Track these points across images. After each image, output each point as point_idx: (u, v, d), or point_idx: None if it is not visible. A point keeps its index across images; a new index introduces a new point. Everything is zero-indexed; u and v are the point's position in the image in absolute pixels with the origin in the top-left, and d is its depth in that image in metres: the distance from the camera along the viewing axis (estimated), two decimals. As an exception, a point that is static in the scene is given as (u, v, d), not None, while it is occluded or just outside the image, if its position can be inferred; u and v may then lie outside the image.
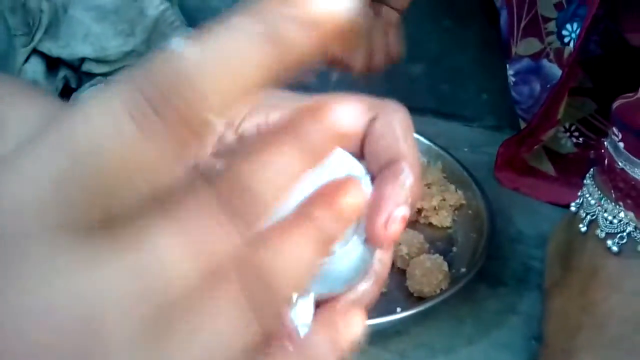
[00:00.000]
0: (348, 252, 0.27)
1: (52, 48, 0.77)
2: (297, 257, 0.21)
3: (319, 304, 0.26)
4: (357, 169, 0.28)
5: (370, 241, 0.27)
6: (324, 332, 0.24)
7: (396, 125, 0.31)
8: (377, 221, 0.28)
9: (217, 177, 0.21)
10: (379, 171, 0.30)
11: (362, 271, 0.28)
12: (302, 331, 0.24)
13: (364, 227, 0.27)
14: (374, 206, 0.28)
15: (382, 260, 0.30)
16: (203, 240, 0.20)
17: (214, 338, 0.19)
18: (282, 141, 0.21)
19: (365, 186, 0.28)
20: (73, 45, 0.78)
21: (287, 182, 0.21)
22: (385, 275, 0.30)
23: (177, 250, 0.19)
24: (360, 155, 0.31)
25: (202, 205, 0.20)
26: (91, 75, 0.78)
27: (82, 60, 0.78)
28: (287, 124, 0.22)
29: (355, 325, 0.25)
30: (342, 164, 0.28)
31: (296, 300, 0.21)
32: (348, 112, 0.22)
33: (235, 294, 0.20)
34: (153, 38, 0.79)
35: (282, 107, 0.32)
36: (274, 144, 0.21)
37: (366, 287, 0.29)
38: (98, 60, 0.77)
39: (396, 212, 0.28)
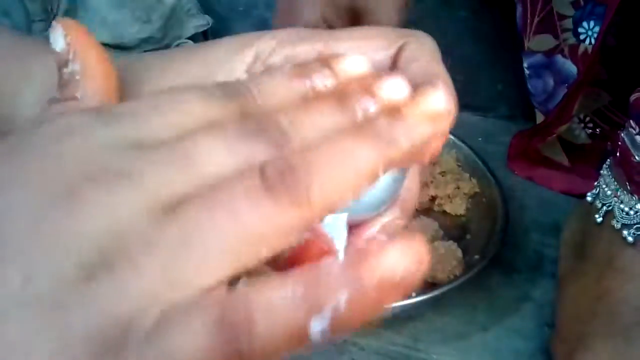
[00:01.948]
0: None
1: (70, 34, 0.77)
2: (348, 168, 0.21)
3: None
4: None
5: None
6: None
7: (427, 49, 0.31)
8: None
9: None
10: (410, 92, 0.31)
11: (391, 198, 0.28)
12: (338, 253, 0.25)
13: None
14: None
15: (410, 189, 0.30)
16: (244, 142, 0.21)
17: (236, 228, 0.20)
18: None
19: None
20: (90, 31, 0.78)
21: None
22: (413, 206, 0.31)
23: (218, 148, 0.21)
24: None
25: (229, 129, 0.22)
26: (108, 61, 0.79)
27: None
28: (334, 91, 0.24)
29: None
30: None
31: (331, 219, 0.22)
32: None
33: (264, 192, 0.20)
34: (169, 25, 0.80)
35: (309, 40, 0.33)
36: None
37: (394, 215, 0.29)
38: (115, 47, 0.78)
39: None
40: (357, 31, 0.33)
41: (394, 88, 0.24)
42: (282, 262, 0.23)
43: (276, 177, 0.20)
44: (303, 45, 0.33)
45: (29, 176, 0.20)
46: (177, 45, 0.79)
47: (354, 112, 0.23)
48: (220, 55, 0.34)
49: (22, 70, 0.35)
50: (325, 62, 0.25)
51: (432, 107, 0.23)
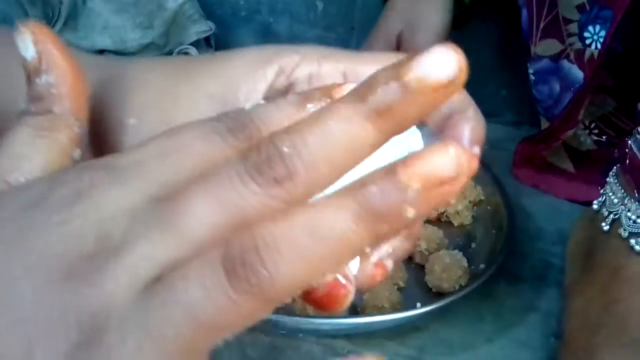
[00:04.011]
0: None
1: (71, 39, 0.77)
2: (328, 230, 0.20)
3: None
4: (414, 138, 0.28)
5: None
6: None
7: None
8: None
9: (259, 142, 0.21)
10: (442, 122, 0.31)
11: None
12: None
13: None
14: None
15: None
16: (227, 198, 0.21)
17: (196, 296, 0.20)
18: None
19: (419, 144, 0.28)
20: (92, 37, 0.78)
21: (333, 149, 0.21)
22: None
23: (203, 206, 0.21)
24: None
25: (229, 169, 0.21)
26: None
27: (101, 52, 0.78)
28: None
29: None
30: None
31: None
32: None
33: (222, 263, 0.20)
34: (172, 31, 0.79)
35: (333, 58, 0.33)
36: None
37: None
38: (117, 52, 0.78)
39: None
40: (383, 55, 0.33)
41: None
42: None
43: (238, 262, 0.20)
44: (327, 64, 0.33)
45: (33, 255, 0.20)
46: (180, 52, 0.79)
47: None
48: (241, 71, 0.33)
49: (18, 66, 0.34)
50: (326, 93, 0.25)
51: (432, 166, 0.21)
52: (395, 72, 0.21)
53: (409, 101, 0.21)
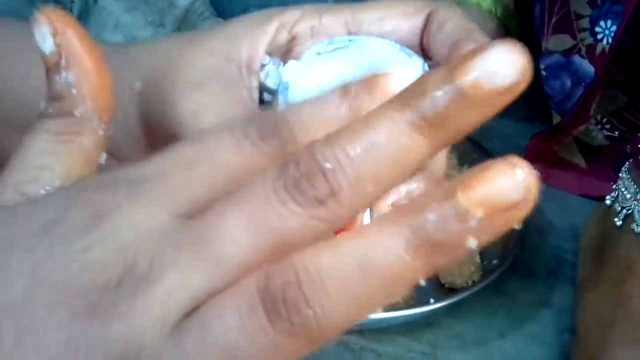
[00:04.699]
0: None
1: (83, 38, 0.77)
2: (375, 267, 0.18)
3: None
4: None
5: None
6: None
7: (458, 12, 0.31)
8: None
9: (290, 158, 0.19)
10: (450, 49, 0.30)
11: None
12: None
13: None
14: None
15: (437, 159, 0.30)
16: (265, 219, 0.19)
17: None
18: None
19: None
20: (104, 35, 0.78)
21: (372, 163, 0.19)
22: (440, 177, 0.30)
23: (239, 229, 0.19)
24: (419, 50, 0.31)
25: (266, 184, 0.19)
26: (122, 65, 0.79)
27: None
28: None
29: None
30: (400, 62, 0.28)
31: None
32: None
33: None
34: (183, 29, 0.79)
35: (335, 10, 0.32)
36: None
37: (419, 183, 0.28)
38: (129, 51, 0.78)
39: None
40: (382, 1, 0.32)
41: None
42: None
43: (280, 300, 0.18)
44: (328, 16, 0.32)
45: (48, 287, 0.19)
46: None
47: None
48: (242, 29, 0.34)
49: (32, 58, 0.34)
50: (367, 87, 0.21)
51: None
52: (449, 74, 0.18)
53: (464, 109, 0.18)
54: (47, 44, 0.22)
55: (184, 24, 0.79)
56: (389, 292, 0.18)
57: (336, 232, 0.20)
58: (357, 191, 0.18)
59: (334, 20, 0.32)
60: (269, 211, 0.18)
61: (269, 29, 0.33)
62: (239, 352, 0.18)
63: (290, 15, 0.33)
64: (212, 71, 0.34)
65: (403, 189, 0.27)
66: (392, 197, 0.27)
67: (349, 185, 0.18)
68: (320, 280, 0.18)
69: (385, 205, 0.27)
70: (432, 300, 0.55)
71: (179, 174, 0.20)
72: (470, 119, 0.18)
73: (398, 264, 0.18)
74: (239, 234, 0.18)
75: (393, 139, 0.18)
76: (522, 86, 0.18)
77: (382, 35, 0.31)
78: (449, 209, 0.17)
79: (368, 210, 0.24)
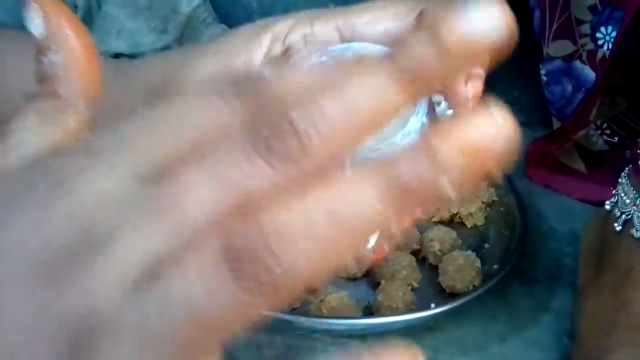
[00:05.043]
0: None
1: (87, 44, 0.78)
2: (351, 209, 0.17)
3: None
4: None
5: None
6: None
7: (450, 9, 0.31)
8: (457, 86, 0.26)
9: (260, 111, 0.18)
10: None
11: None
12: None
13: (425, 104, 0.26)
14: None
15: None
16: (230, 177, 0.18)
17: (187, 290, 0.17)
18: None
19: None
20: (107, 41, 0.79)
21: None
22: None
23: (201, 186, 0.18)
24: None
25: (235, 143, 0.18)
26: (125, 71, 0.79)
27: (116, 56, 0.79)
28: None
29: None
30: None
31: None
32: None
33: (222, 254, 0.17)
34: (186, 35, 0.80)
35: (327, 17, 0.32)
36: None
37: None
38: (132, 56, 0.78)
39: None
40: (377, 4, 0.32)
41: None
42: None
43: (246, 258, 0.17)
44: (320, 23, 0.33)
45: (15, 244, 0.18)
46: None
47: None
48: (236, 44, 0.34)
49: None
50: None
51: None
52: (427, 28, 0.17)
53: (442, 62, 0.17)
54: (37, 27, 0.22)
55: (187, 30, 0.79)
56: (360, 243, 0.17)
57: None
58: (329, 147, 0.18)
59: (326, 27, 0.33)
60: (235, 169, 0.18)
61: (263, 41, 0.33)
62: (203, 311, 0.17)
63: (283, 25, 0.33)
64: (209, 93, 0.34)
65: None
66: None
67: (321, 141, 0.17)
68: (288, 235, 0.17)
69: None
70: (432, 305, 0.56)
71: (141, 136, 0.19)
72: (448, 73, 0.18)
73: (370, 213, 0.17)
74: (203, 193, 0.18)
75: (369, 92, 0.18)
76: (505, 38, 0.17)
77: (375, 39, 0.31)
78: (422, 154, 0.17)
79: None
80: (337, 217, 0.17)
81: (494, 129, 0.17)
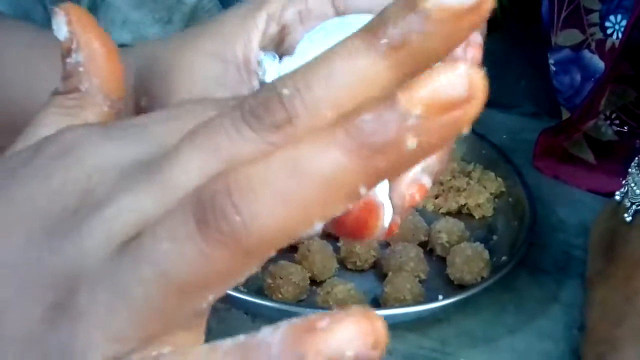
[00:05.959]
0: None
1: (91, 35, 0.77)
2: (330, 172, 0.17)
3: None
4: None
5: None
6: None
7: None
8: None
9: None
10: None
11: None
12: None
13: None
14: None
15: None
16: (218, 145, 0.18)
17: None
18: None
19: None
20: (112, 32, 0.78)
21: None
22: (449, 149, 0.30)
23: (190, 155, 0.19)
24: None
25: (224, 116, 0.19)
26: (130, 62, 0.79)
27: (121, 47, 0.79)
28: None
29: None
30: None
31: None
32: None
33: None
34: (190, 26, 0.80)
35: None
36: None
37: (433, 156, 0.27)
38: (137, 47, 0.78)
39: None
40: None
41: None
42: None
43: (208, 208, 0.17)
44: None
45: (17, 210, 0.20)
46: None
47: None
48: (233, 27, 0.34)
49: (42, 63, 0.34)
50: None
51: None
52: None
53: (428, 32, 0.17)
54: (62, 32, 0.24)
55: (192, 21, 0.79)
56: (327, 200, 0.17)
57: (345, 217, 0.19)
58: (314, 116, 0.18)
59: (320, 1, 0.33)
60: (223, 137, 0.18)
61: (259, 22, 0.33)
62: (170, 267, 0.17)
63: (276, 3, 0.33)
64: (213, 77, 0.35)
65: (418, 167, 0.27)
66: (411, 172, 0.27)
67: (306, 109, 0.18)
68: (250, 187, 0.17)
69: (405, 184, 0.27)
70: (441, 297, 0.55)
71: (154, 125, 0.21)
72: (434, 43, 0.18)
73: (333, 167, 0.17)
74: (191, 161, 0.18)
75: (353, 64, 0.18)
76: (486, 8, 0.17)
77: (370, 10, 0.31)
78: (387, 109, 0.17)
79: (385, 182, 0.22)
80: (297, 170, 0.17)
81: (459, 81, 0.16)
